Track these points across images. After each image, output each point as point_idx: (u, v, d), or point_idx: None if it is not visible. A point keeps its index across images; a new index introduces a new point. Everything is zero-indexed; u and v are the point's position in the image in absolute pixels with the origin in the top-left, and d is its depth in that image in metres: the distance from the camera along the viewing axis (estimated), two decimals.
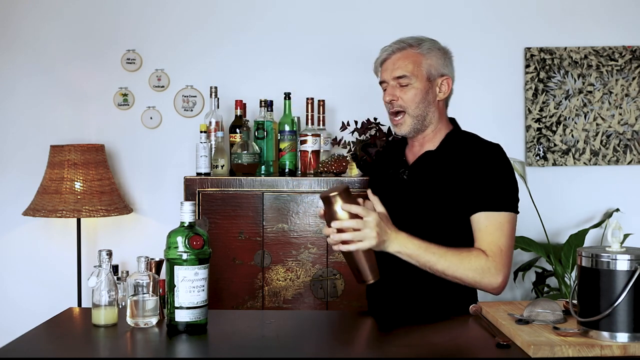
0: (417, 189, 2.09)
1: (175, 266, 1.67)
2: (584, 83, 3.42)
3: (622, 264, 1.56)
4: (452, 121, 2.21)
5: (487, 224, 1.98)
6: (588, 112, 3.42)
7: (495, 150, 2.08)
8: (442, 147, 2.13)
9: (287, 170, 3.12)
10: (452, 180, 2.05)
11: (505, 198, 2.01)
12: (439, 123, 2.15)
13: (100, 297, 1.75)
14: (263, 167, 3.17)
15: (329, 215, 1.83)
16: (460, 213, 2.03)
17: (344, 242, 1.83)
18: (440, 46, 2.17)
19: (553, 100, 3.42)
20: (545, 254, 3.16)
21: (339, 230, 1.82)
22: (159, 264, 1.88)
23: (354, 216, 1.82)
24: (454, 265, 1.92)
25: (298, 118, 3.21)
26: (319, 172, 3.07)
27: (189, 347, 1.63)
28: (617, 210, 3.40)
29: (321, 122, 3.19)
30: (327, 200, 1.82)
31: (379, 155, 2.40)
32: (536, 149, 3.42)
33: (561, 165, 3.43)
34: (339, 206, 1.82)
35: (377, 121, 3.19)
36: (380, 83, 2.18)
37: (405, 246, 1.90)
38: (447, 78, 2.15)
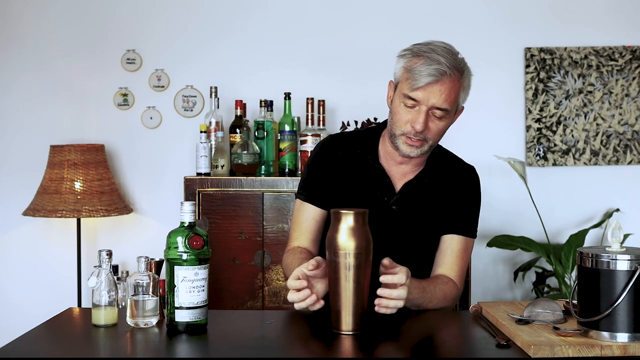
0: (406, 220, 2.02)
1: (175, 266, 1.67)
2: (584, 83, 3.42)
3: (622, 264, 1.56)
4: None
5: (459, 248, 2.03)
6: (588, 112, 3.42)
7: (475, 175, 2.10)
8: (428, 171, 2.04)
9: (287, 170, 3.12)
10: (437, 209, 2.04)
11: (476, 224, 2.08)
12: None
13: (100, 297, 1.75)
14: (263, 167, 3.17)
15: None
16: (439, 233, 2.06)
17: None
18: (471, 72, 1.97)
19: (553, 100, 3.42)
20: (545, 254, 3.16)
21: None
22: (159, 264, 1.88)
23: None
24: (439, 302, 1.95)
25: (298, 118, 3.21)
26: None
27: (189, 347, 1.63)
28: (617, 210, 3.40)
29: (321, 122, 3.19)
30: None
31: (341, 159, 2.05)
32: (536, 149, 3.42)
33: (561, 165, 3.43)
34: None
35: (377, 121, 3.19)
36: (408, 98, 1.90)
37: (410, 292, 1.80)
38: (462, 108, 2.00)
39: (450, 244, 2.03)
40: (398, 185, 2.03)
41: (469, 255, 2.08)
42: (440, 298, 1.94)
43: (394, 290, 1.72)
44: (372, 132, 2.09)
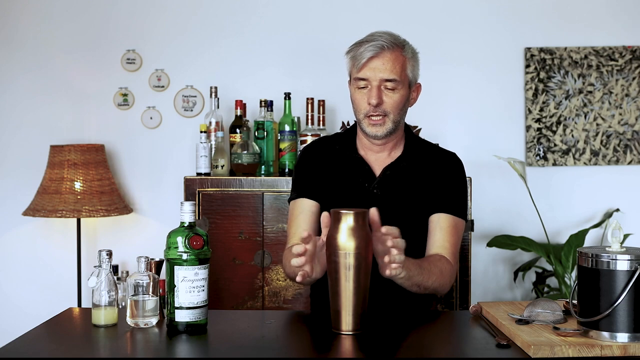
0: (388, 203, 2.06)
1: (175, 266, 1.68)
2: (584, 83, 3.42)
3: (622, 264, 1.56)
4: (406, 126, 2.18)
5: (447, 225, 2.06)
6: (588, 112, 3.42)
7: (457, 159, 2.16)
8: (406, 156, 2.11)
9: (287, 170, 3.12)
10: (420, 190, 2.09)
11: (464, 206, 2.12)
12: (402, 129, 2.14)
13: (100, 297, 1.75)
14: (263, 167, 3.17)
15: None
16: (426, 216, 2.08)
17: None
18: (416, 50, 2.09)
19: (553, 100, 3.42)
20: (545, 254, 3.16)
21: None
22: (159, 264, 1.88)
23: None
24: (437, 279, 1.95)
25: (298, 118, 3.21)
26: None
27: (189, 347, 1.63)
28: (617, 210, 3.40)
29: (321, 122, 3.19)
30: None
31: (324, 157, 2.18)
32: (536, 149, 3.42)
33: (561, 165, 3.43)
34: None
35: None
36: (358, 79, 2.03)
37: (409, 269, 1.81)
38: (419, 85, 2.12)
39: (438, 222, 2.06)
40: (378, 171, 2.11)
41: (460, 234, 2.09)
42: (437, 274, 1.95)
43: (393, 240, 1.70)
44: (348, 130, 2.21)
